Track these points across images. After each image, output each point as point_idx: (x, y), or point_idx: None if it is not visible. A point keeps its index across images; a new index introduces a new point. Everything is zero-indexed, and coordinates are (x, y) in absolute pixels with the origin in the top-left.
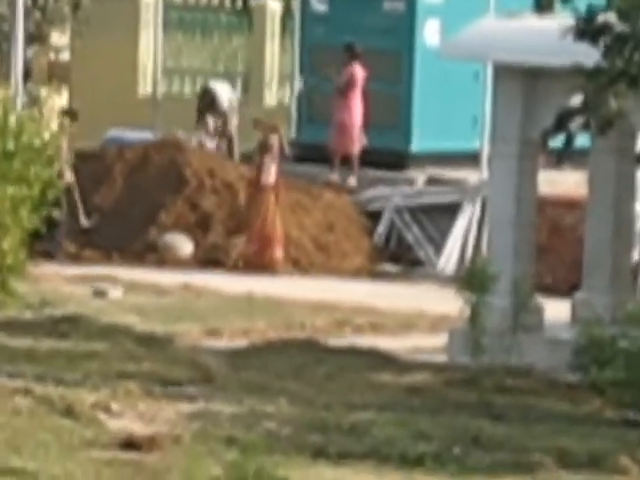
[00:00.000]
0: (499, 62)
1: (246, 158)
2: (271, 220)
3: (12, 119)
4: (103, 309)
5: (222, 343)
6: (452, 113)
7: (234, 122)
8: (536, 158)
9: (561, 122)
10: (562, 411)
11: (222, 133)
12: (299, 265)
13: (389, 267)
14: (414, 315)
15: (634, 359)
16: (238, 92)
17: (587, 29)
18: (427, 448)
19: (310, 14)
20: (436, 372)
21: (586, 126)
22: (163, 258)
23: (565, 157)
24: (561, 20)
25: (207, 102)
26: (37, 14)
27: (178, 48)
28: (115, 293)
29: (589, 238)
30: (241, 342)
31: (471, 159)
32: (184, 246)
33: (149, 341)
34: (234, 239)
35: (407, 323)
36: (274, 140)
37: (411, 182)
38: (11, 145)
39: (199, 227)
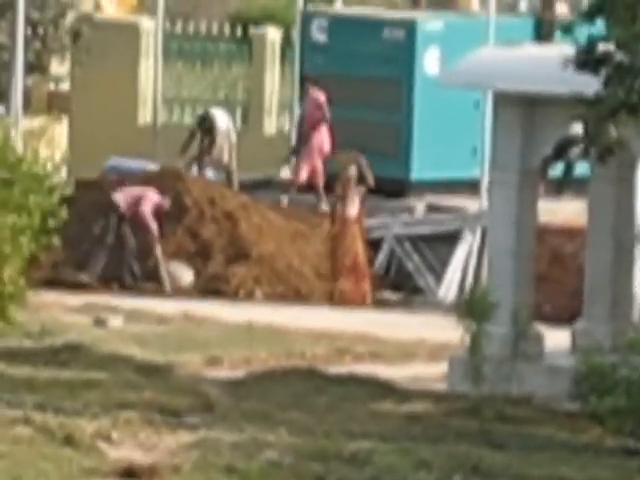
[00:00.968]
0: (499, 91)
1: (246, 187)
2: (360, 253)
3: (11, 148)
4: (103, 338)
5: (223, 372)
6: (452, 142)
7: (233, 154)
8: (536, 187)
9: (561, 151)
10: (562, 440)
11: (218, 163)
12: (300, 294)
13: (389, 295)
14: (414, 343)
15: (635, 387)
16: (238, 123)
17: (588, 59)
18: (428, 477)
19: (310, 43)
20: (436, 401)
21: (586, 155)
22: (163, 287)
23: (565, 186)
24: (561, 49)
25: (206, 128)
26: (37, 44)
27: (178, 77)
28: (115, 322)
29: (589, 267)
30: (242, 371)
31: (471, 188)
32: (184, 275)
33: (149, 370)
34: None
35: (407, 351)
36: (352, 171)
37: (411, 210)
38: (10, 173)
39: (199, 256)
